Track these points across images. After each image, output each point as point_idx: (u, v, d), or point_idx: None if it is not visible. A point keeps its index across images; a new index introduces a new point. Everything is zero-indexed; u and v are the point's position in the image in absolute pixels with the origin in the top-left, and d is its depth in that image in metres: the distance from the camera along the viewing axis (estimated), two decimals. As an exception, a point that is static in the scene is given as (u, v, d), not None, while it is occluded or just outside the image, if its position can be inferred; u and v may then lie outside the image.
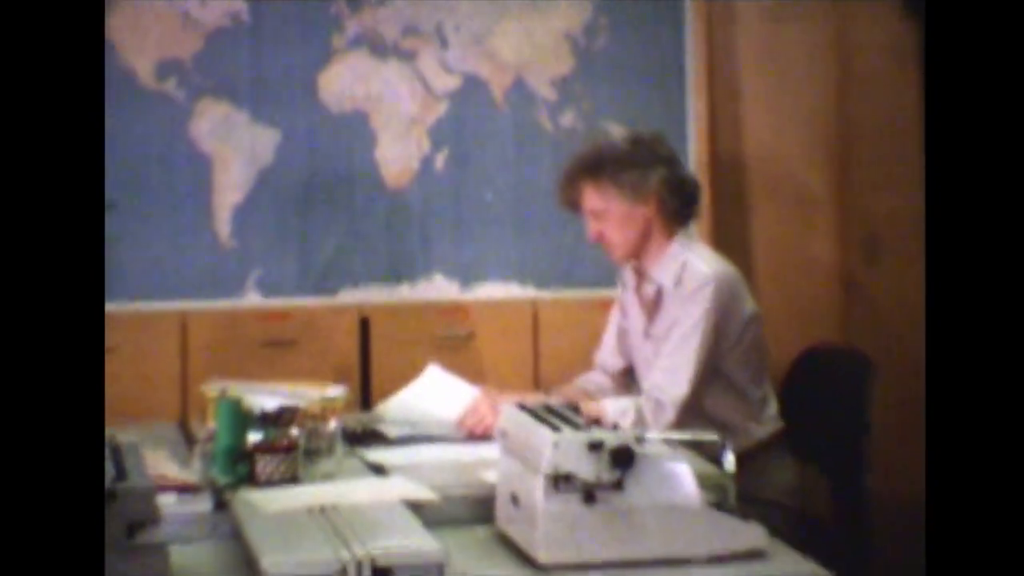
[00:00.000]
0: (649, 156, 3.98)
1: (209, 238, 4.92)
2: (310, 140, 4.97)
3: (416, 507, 3.11)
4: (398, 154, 5.01)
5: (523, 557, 2.99)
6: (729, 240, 4.97)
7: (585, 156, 4.03)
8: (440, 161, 5.05)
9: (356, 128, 4.98)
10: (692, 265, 3.95)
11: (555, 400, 3.50)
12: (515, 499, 3.05)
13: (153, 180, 4.87)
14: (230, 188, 4.93)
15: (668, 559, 2.98)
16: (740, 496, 3.18)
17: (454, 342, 4.96)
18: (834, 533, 3.90)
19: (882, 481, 4.13)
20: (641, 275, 4.07)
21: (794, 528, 3.42)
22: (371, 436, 3.81)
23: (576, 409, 3.20)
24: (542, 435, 2.99)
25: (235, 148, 4.93)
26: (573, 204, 4.04)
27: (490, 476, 3.26)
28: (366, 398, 4.68)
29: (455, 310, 5.03)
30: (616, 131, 4.52)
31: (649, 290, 4.04)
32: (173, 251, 4.88)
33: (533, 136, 5.07)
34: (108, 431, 2.51)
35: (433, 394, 4.03)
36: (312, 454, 3.46)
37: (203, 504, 3.17)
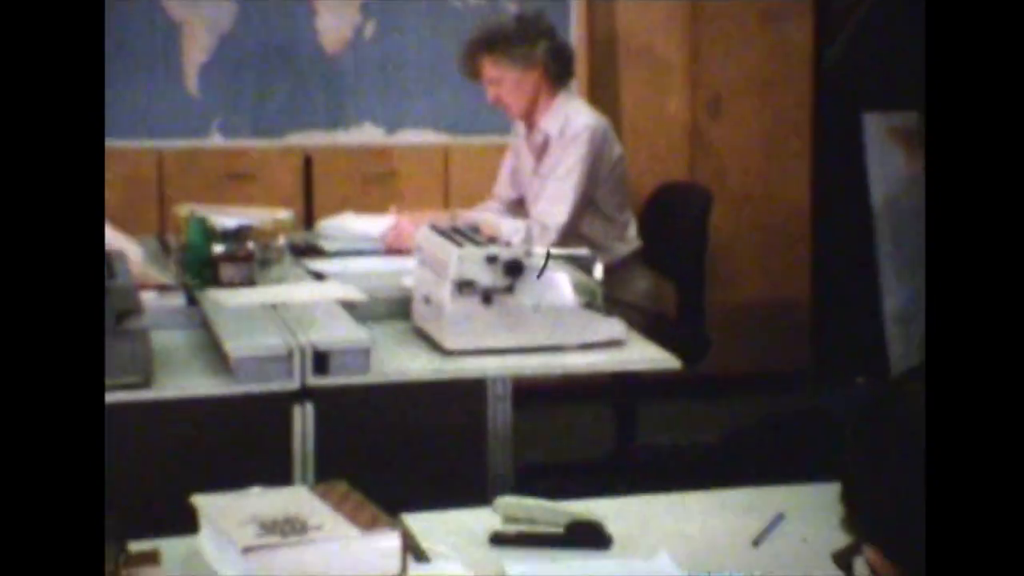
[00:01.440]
0: (534, 31, 3.97)
1: (180, 91, 4.89)
2: (263, 12, 4.92)
3: (348, 306, 3.14)
4: (335, 25, 4.98)
5: (434, 345, 3.03)
6: (602, 98, 4.97)
7: (481, 34, 4.01)
8: (369, 30, 5.01)
9: (301, 3, 4.95)
10: (573, 117, 3.96)
11: (461, 222, 3.51)
12: (427, 300, 3.08)
13: (135, 42, 4.82)
14: (197, 50, 4.89)
15: (548, 346, 3.03)
16: (606, 299, 3.22)
17: (380, 178, 4.96)
18: (679, 327, 3.96)
19: (717, 287, 4.20)
20: (531, 126, 4.07)
21: (648, 324, 3.47)
22: (312, 250, 3.82)
23: (477, 230, 3.22)
24: (449, 250, 3.01)
25: (201, 18, 4.89)
26: (474, 74, 4.02)
27: (408, 282, 3.28)
28: (309, 220, 4.68)
29: (381, 152, 5.03)
30: (511, 8, 4.49)
31: (538, 138, 4.04)
32: (151, 101, 4.85)
33: (447, 12, 5.03)
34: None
35: (362, 220, 4.04)
36: (265, 263, 3.46)
37: (178, 300, 3.17)
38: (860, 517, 1.03)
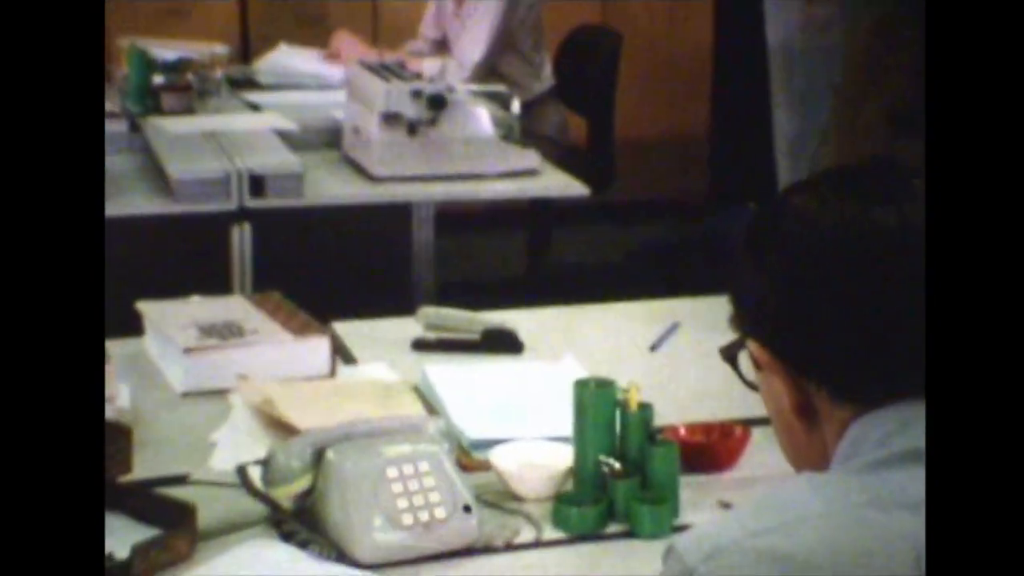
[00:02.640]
0: None
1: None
2: None
3: (283, 135, 3.12)
4: None
5: (363, 173, 3.02)
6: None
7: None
8: None
9: None
10: (492, -38, 3.91)
11: (389, 58, 3.48)
12: (357, 131, 3.07)
13: None
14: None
15: (468, 175, 3.04)
16: (522, 132, 3.23)
17: (316, 21, 4.88)
18: (588, 158, 3.98)
19: (625, 122, 4.21)
20: (454, -30, 4.02)
21: (560, 156, 3.48)
22: (249, 83, 3.77)
23: (404, 66, 3.20)
24: (377, 84, 3.00)
25: None
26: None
27: (339, 114, 3.26)
28: (245, 57, 4.61)
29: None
30: None
31: (461, -19, 4.00)
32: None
33: None
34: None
35: (296, 54, 4.00)
36: (203, 94, 3.42)
37: (121, 126, 3.13)
38: (744, 314, 1.07)
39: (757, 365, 1.06)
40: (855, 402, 0.98)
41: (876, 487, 0.91)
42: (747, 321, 1.06)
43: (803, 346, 1.00)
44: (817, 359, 0.99)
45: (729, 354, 1.12)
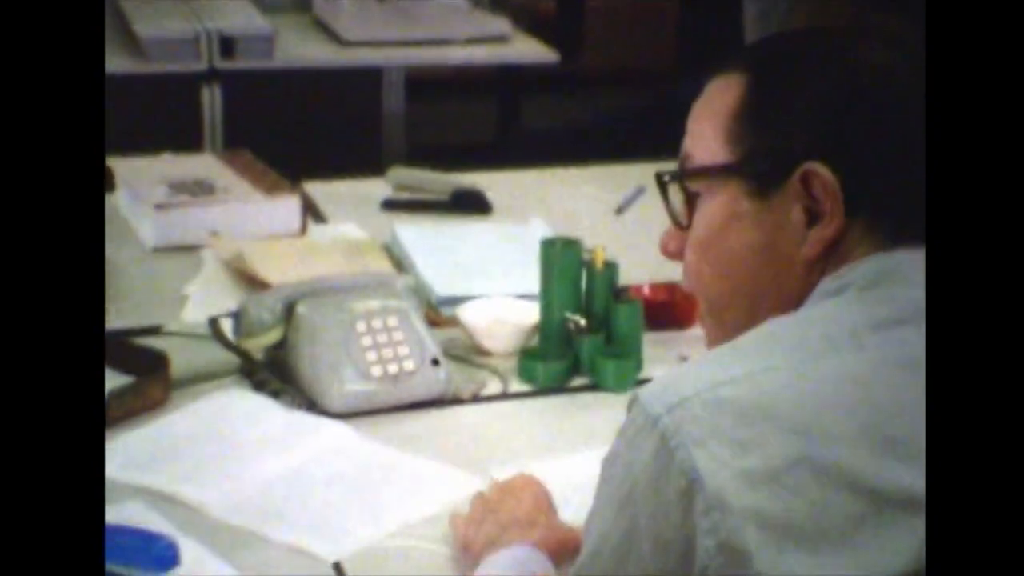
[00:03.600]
0: None
1: None
2: None
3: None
4: None
5: (333, 36, 3.00)
6: None
7: None
8: None
9: None
10: None
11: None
12: None
13: None
14: None
15: (439, 40, 3.02)
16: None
17: None
18: (559, 25, 3.94)
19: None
20: None
21: (531, 22, 3.45)
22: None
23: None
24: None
25: None
26: None
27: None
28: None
29: None
30: None
31: None
32: None
33: None
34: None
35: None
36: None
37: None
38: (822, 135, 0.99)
39: (755, 195, 0.97)
40: (888, 240, 0.94)
41: (838, 327, 0.90)
42: (822, 145, 0.95)
43: (889, 177, 0.94)
44: (895, 191, 0.94)
45: (665, 180, 1.04)
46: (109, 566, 1.18)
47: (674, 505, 0.86)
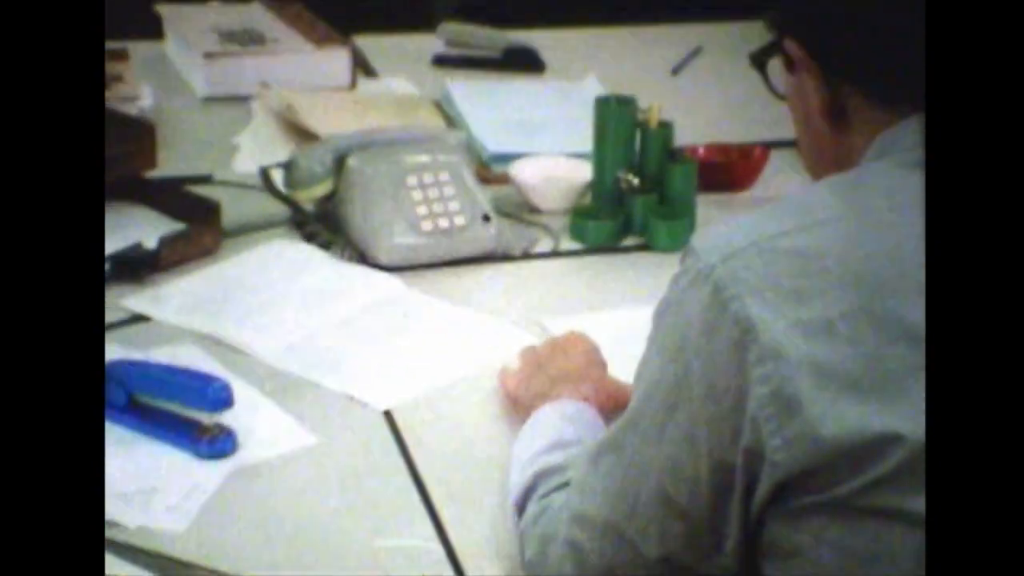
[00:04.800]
0: None
1: None
2: None
3: None
4: None
5: None
6: None
7: None
8: None
9: None
10: None
11: None
12: None
13: None
14: None
15: None
16: None
17: None
18: None
19: None
20: None
21: None
22: None
23: None
24: None
25: None
26: None
27: None
28: None
29: None
30: None
31: None
32: None
33: None
34: None
35: None
36: None
37: None
38: (785, 10, 1.02)
39: (790, 67, 1.02)
40: (889, 107, 0.96)
41: (900, 190, 0.92)
42: (788, 18, 1.02)
43: (842, 43, 0.96)
44: (856, 57, 0.96)
45: (760, 59, 1.09)
46: (166, 405, 1.23)
47: (727, 354, 0.88)
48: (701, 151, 1.73)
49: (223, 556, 1.08)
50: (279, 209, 1.63)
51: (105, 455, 1.16)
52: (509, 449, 1.18)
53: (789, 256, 0.89)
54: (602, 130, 1.63)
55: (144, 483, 1.15)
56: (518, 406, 1.26)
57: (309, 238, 1.58)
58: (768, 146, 1.74)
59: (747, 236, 0.92)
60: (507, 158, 1.73)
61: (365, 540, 1.12)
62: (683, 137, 1.69)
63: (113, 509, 1.11)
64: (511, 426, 1.24)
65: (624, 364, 1.28)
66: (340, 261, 1.54)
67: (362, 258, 1.54)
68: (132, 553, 1.05)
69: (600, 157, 1.63)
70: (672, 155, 1.63)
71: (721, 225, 0.97)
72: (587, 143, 1.65)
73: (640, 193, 1.61)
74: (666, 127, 1.63)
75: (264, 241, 1.57)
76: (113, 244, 1.48)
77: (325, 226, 1.59)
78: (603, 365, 1.29)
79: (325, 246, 1.57)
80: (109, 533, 1.08)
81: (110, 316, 1.42)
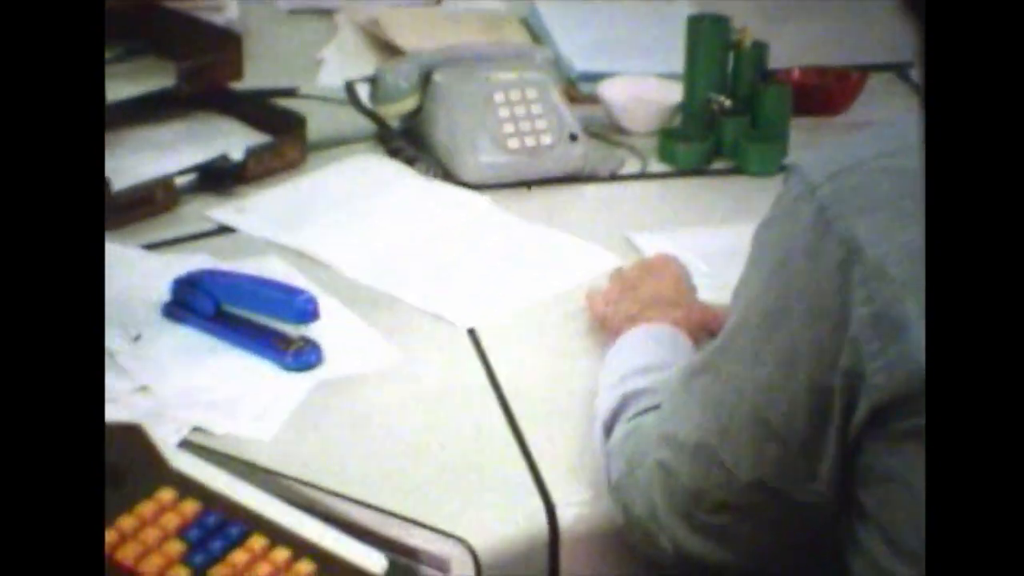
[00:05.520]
0: None
1: None
2: None
3: None
4: None
5: None
6: None
7: None
8: None
9: None
10: None
11: None
12: None
13: None
14: None
15: None
16: None
17: None
18: None
19: None
20: None
21: None
22: None
23: None
24: None
25: None
26: None
27: None
28: None
29: None
30: None
31: None
32: None
33: None
34: None
35: None
36: None
37: None
38: None
39: None
40: None
41: None
42: None
43: None
44: None
45: None
46: (253, 316, 1.24)
47: (831, 274, 0.87)
48: (796, 73, 1.71)
49: (307, 467, 1.09)
50: (364, 124, 1.63)
51: (191, 362, 1.19)
52: (595, 371, 1.18)
53: (896, 177, 0.88)
54: (694, 50, 1.61)
55: (230, 392, 1.16)
56: (606, 328, 1.26)
57: (394, 154, 1.59)
58: (865, 70, 1.71)
59: (853, 156, 0.90)
60: (595, 77, 1.72)
61: (448, 459, 1.12)
62: (777, 59, 1.66)
63: (200, 415, 1.12)
64: (597, 348, 1.25)
65: (713, 288, 1.28)
66: (424, 178, 1.54)
67: (447, 175, 1.54)
68: (218, 458, 1.07)
69: (691, 77, 1.61)
70: (765, 77, 1.61)
71: (824, 146, 0.96)
72: (678, 63, 1.63)
73: (731, 115, 1.59)
74: (760, 48, 1.61)
75: (348, 156, 1.58)
76: (200, 154, 1.49)
77: (410, 142, 1.59)
78: (693, 289, 1.28)
79: (410, 162, 1.57)
80: (196, 438, 1.10)
81: (197, 226, 1.44)
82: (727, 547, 0.99)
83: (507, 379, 1.23)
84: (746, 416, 0.93)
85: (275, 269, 1.34)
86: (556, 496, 1.08)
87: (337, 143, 1.60)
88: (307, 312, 1.22)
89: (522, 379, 1.23)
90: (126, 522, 0.94)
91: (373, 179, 1.54)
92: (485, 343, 1.28)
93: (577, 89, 1.72)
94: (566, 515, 1.07)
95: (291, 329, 1.22)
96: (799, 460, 0.92)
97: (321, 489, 1.07)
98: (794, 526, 0.97)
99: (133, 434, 1.01)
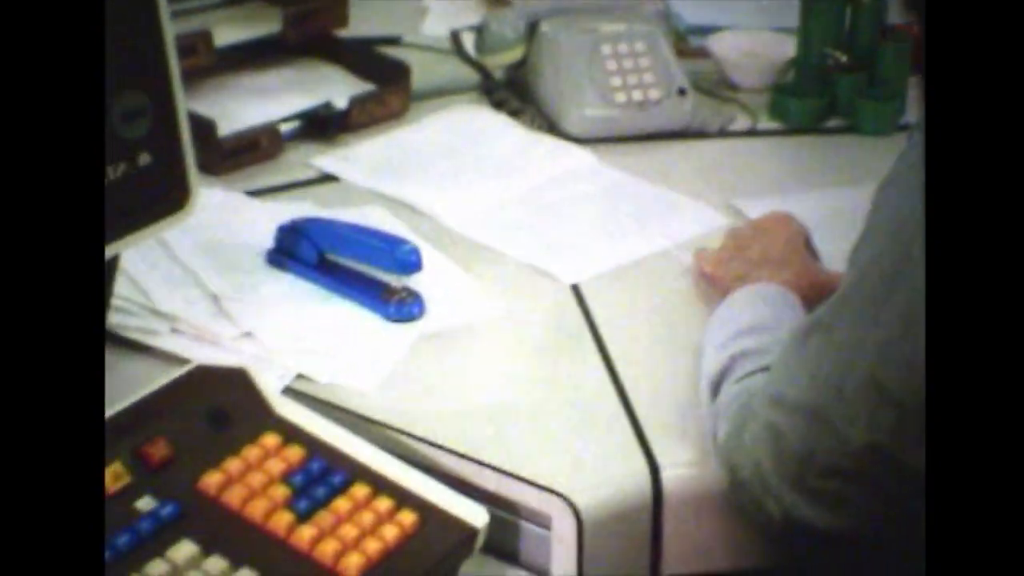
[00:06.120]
0: None
1: None
2: None
3: None
4: None
5: None
6: None
7: None
8: None
9: None
10: None
11: None
12: None
13: None
14: None
15: None
16: None
17: None
18: None
19: None
20: None
21: None
22: None
23: None
24: None
25: None
26: None
27: None
28: None
29: None
30: None
31: None
32: None
33: None
34: None
35: None
36: None
37: None
38: None
39: None
40: None
41: None
42: None
43: None
44: None
45: None
46: (356, 265, 1.25)
47: (956, 234, 0.87)
48: (916, 29, 1.69)
49: (408, 418, 1.11)
50: (468, 74, 1.64)
51: (295, 310, 1.21)
52: (702, 330, 1.19)
53: None
54: (809, 2, 1.59)
55: (334, 341, 1.18)
56: (714, 288, 1.26)
57: (498, 105, 1.59)
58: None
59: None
60: (705, 31, 1.71)
61: (549, 415, 1.13)
62: (897, 13, 1.64)
63: (304, 363, 1.14)
64: (705, 307, 1.25)
65: (826, 250, 1.28)
66: (529, 130, 1.55)
67: (552, 128, 1.55)
68: (322, 406, 1.09)
69: (806, 32, 1.60)
70: (885, 32, 1.59)
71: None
72: (792, 17, 1.62)
73: (848, 72, 1.58)
74: (879, 1, 1.59)
75: (452, 107, 1.59)
76: (304, 101, 1.51)
77: (515, 94, 1.60)
78: (808, 251, 1.27)
79: (514, 114, 1.57)
80: (298, 385, 1.12)
81: (301, 174, 1.46)
82: (837, 514, 0.99)
83: (610, 336, 1.23)
84: (861, 378, 0.93)
85: (378, 219, 1.35)
86: (660, 457, 1.09)
87: (440, 93, 1.61)
88: (410, 262, 1.23)
89: (626, 337, 1.23)
90: (232, 464, 0.96)
91: (477, 131, 1.55)
92: (588, 299, 1.29)
93: (687, 42, 1.72)
94: (670, 477, 1.08)
95: (394, 279, 1.24)
96: (915, 424, 0.92)
97: (422, 440, 1.09)
98: (907, 494, 0.97)
99: (238, 378, 1.03)
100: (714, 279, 1.26)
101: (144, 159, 1.01)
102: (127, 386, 1.01)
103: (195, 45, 1.47)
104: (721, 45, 1.67)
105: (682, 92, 1.56)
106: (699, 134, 1.57)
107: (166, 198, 1.04)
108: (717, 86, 1.66)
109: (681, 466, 1.08)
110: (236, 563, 0.90)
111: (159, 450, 0.95)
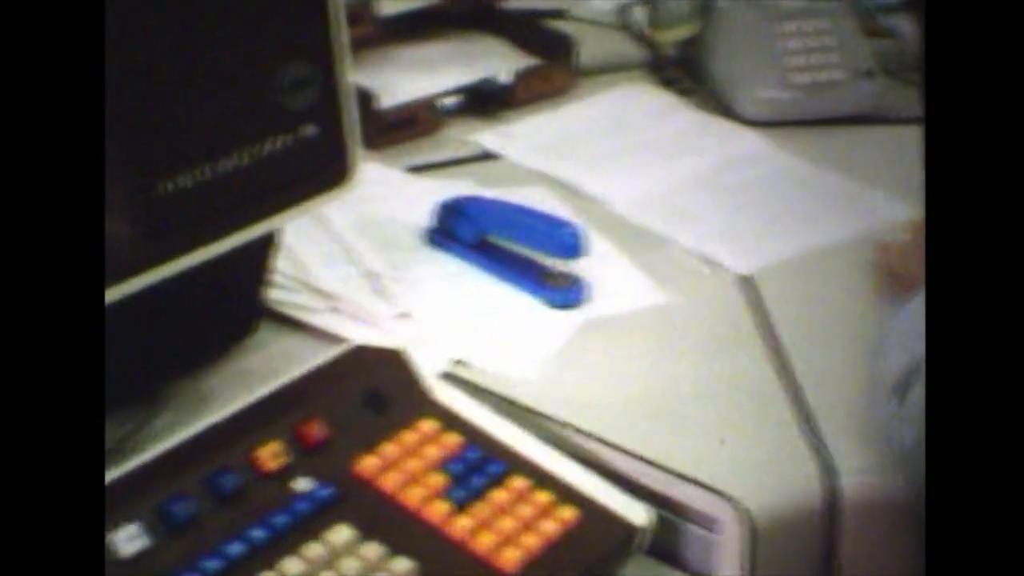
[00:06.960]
0: None
1: None
2: None
3: None
4: None
5: None
6: None
7: None
8: None
9: None
10: None
11: None
12: None
13: None
14: None
15: None
16: None
17: None
18: None
19: None
20: None
21: None
22: None
23: None
24: None
25: None
26: None
27: None
28: None
29: None
30: None
31: None
32: None
33: None
34: None
35: None
36: None
37: None
38: None
39: None
40: None
41: None
42: None
43: None
44: None
45: None
46: (516, 247, 1.26)
47: None
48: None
49: (568, 409, 1.10)
50: (637, 50, 1.63)
51: (453, 292, 1.22)
52: (882, 329, 1.17)
53: None
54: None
55: (494, 325, 1.18)
56: (900, 284, 1.24)
57: (668, 84, 1.59)
58: None
59: None
60: (897, 9, 1.68)
61: (718, 411, 1.12)
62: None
63: (463, 347, 1.15)
64: (888, 304, 1.23)
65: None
66: (700, 111, 1.54)
67: (725, 110, 1.54)
68: (481, 393, 1.09)
69: (1005, 13, 1.56)
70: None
71: None
72: None
73: (1048, 57, 1.54)
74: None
75: (619, 83, 1.59)
76: (466, 75, 1.52)
77: (686, 72, 1.59)
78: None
79: (685, 93, 1.57)
80: (456, 369, 1.13)
81: (461, 150, 1.47)
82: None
83: (785, 331, 1.22)
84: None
85: (540, 199, 1.35)
86: (838, 462, 1.07)
87: (607, 70, 1.61)
88: (573, 247, 1.23)
89: (801, 332, 1.22)
90: (389, 449, 0.97)
91: (645, 110, 1.54)
92: (762, 291, 1.27)
93: (875, 20, 1.69)
94: (849, 484, 1.06)
95: (555, 263, 1.24)
96: None
97: (583, 432, 1.08)
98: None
99: (396, 360, 1.04)
100: (900, 275, 1.24)
101: (309, 130, 1.03)
102: (284, 363, 1.03)
103: (358, 14, 1.49)
104: (913, 24, 1.64)
105: (869, 74, 1.54)
106: (884, 120, 1.54)
107: (327, 172, 1.06)
108: (907, 69, 1.63)
109: (862, 472, 1.07)
110: (393, 551, 0.91)
111: (317, 431, 0.96)
